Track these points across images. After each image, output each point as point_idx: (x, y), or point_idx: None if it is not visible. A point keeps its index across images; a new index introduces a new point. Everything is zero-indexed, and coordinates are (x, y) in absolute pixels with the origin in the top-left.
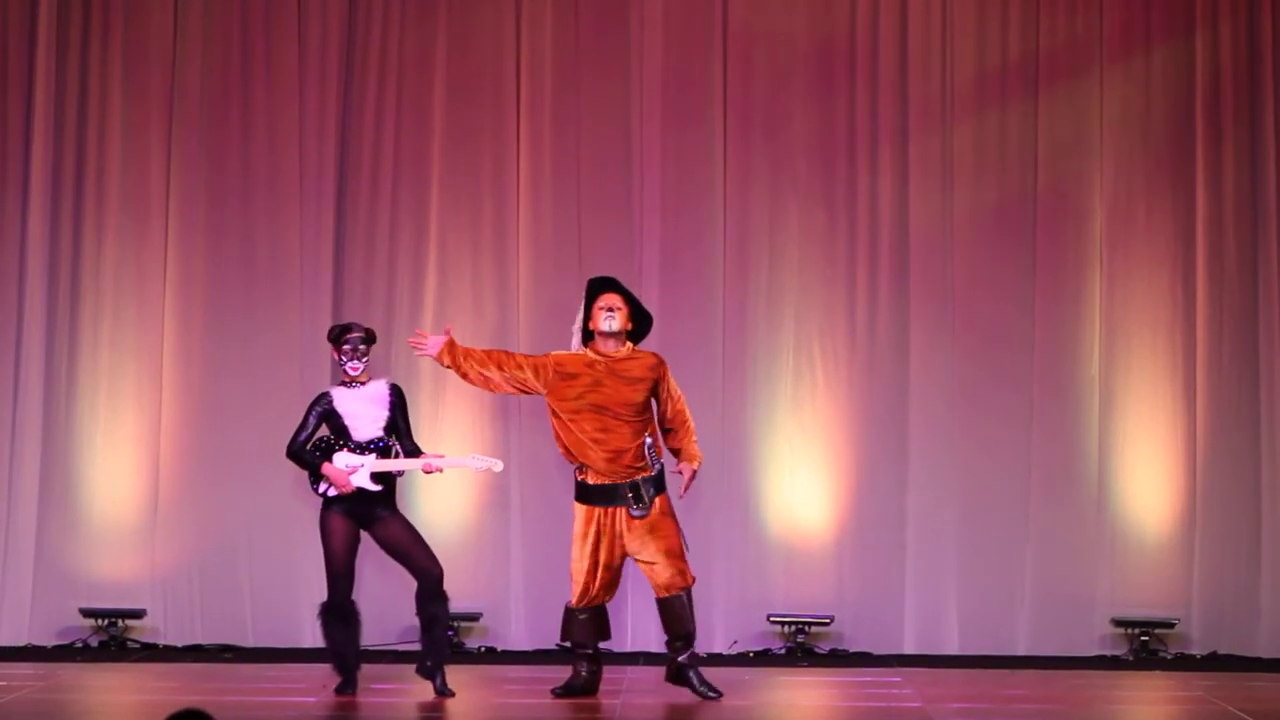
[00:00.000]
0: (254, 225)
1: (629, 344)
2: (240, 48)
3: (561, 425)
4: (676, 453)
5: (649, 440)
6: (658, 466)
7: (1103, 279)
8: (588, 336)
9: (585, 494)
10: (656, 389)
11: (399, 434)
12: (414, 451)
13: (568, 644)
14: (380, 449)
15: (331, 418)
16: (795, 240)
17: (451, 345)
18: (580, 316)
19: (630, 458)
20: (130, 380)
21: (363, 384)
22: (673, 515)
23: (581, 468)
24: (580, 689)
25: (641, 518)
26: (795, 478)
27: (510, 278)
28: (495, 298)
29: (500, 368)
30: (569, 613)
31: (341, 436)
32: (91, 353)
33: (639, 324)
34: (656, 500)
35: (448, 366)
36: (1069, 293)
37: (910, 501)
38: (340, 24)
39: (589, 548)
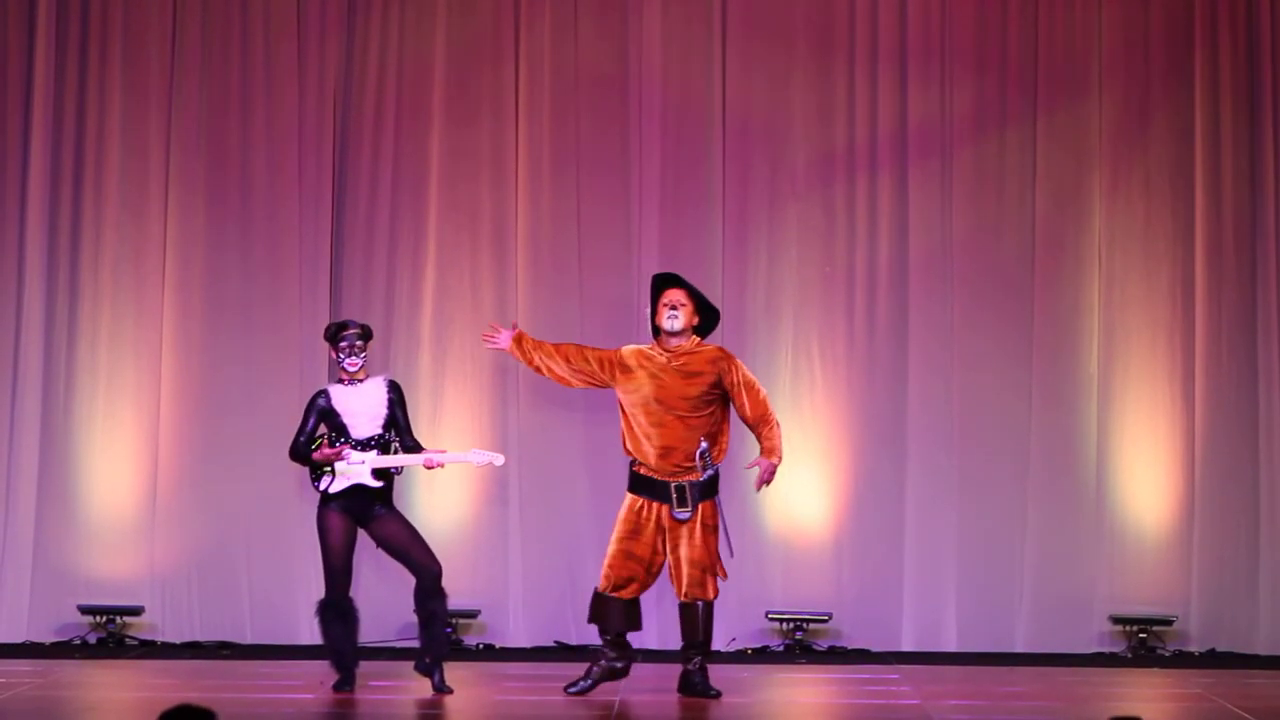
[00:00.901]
0: (253, 222)
1: (695, 338)
2: (240, 43)
3: (624, 419)
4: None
5: (704, 445)
6: (710, 472)
7: (1101, 278)
8: (655, 332)
9: (635, 483)
10: (724, 384)
11: (399, 430)
12: (414, 448)
13: (593, 626)
14: (380, 446)
15: (329, 416)
16: (794, 239)
17: (520, 339)
18: (648, 313)
19: (680, 457)
20: (129, 377)
21: (360, 381)
22: (715, 528)
23: (636, 461)
24: (600, 678)
25: (683, 521)
26: (794, 475)
27: (509, 275)
28: (494, 295)
29: (568, 361)
30: (595, 596)
31: (341, 435)
32: (90, 349)
33: (705, 318)
34: (702, 506)
35: (518, 359)
36: (1068, 291)
37: (909, 499)
38: (339, 21)
39: (623, 532)
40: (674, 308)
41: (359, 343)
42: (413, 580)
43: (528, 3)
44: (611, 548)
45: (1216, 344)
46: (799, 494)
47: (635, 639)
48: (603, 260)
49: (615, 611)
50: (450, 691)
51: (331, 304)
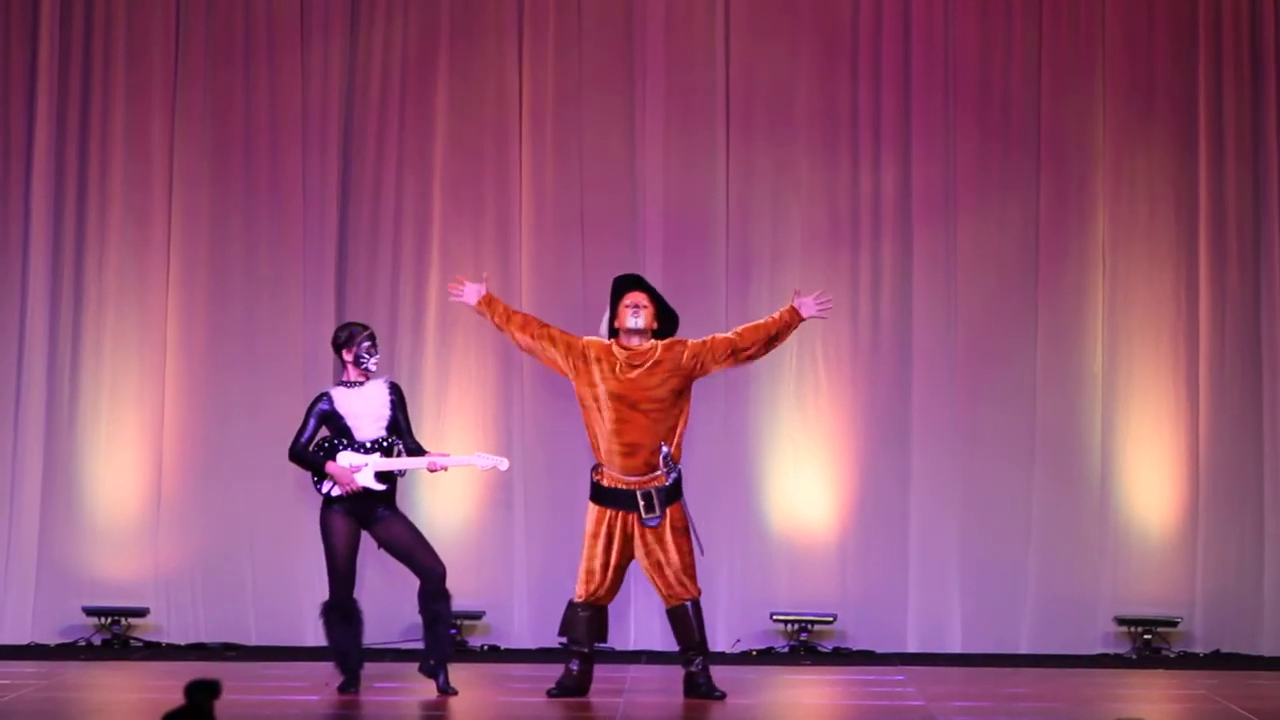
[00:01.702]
0: (257, 224)
1: (654, 341)
2: (243, 44)
3: (586, 415)
4: (785, 326)
5: (666, 449)
6: (673, 476)
7: (1105, 278)
8: (613, 334)
9: (599, 495)
10: (685, 361)
11: (400, 432)
12: (416, 450)
13: (564, 639)
14: (384, 448)
15: (332, 419)
16: (798, 238)
17: (490, 299)
18: (606, 315)
19: (646, 454)
20: (133, 379)
21: (361, 384)
22: (685, 530)
23: (598, 468)
24: (572, 688)
25: (653, 527)
26: (798, 476)
27: (513, 278)
28: (498, 296)
29: (531, 336)
30: (571, 608)
31: (343, 437)
32: (94, 351)
33: (664, 323)
34: (669, 511)
35: (485, 318)
36: (1072, 292)
37: (913, 500)
38: (342, 22)
39: (599, 547)
40: (636, 307)
41: (375, 341)
42: (416, 582)
43: (531, 5)
44: (592, 562)
45: (1220, 345)
46: (804, 495)
47: (640, 640)
48: (607, 263)
49: (587, 624)
50: (455, 693)
51: (336, 306)
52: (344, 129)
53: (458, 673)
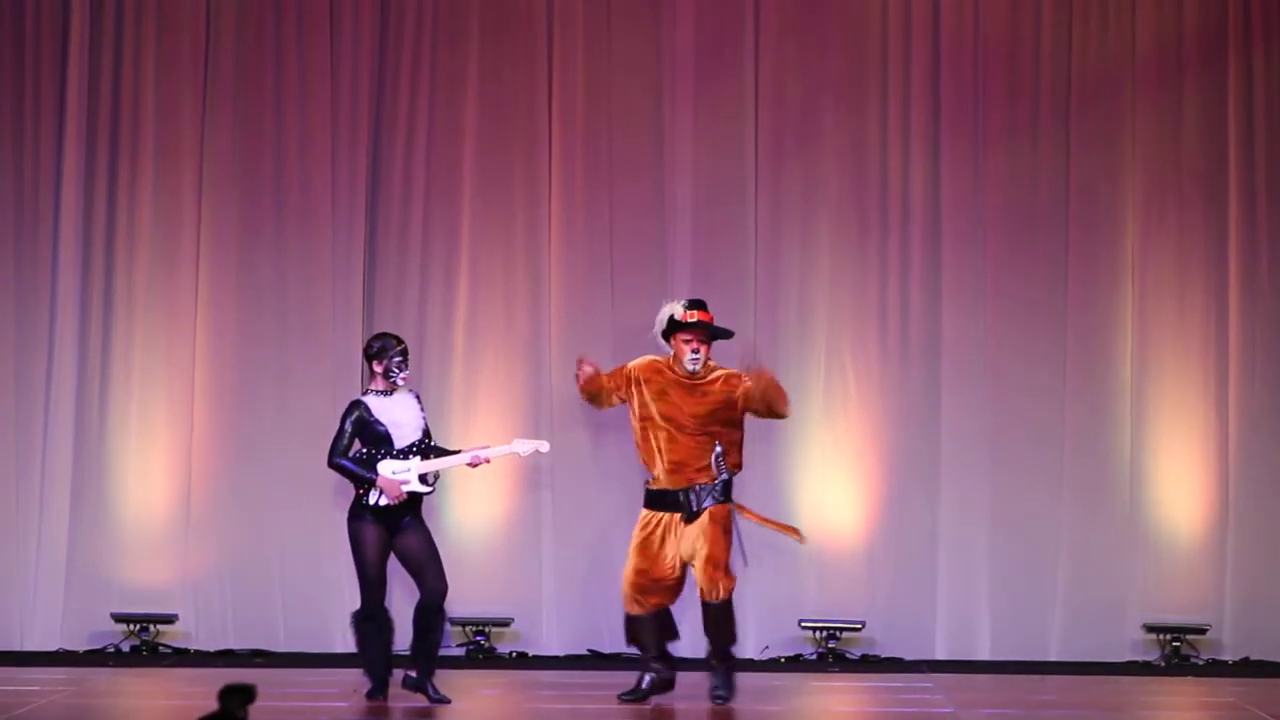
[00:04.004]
0: (286, 230)
1: (714, 367)
2: (273, 55)
3: (636, 432)
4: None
5: (719, 449)
6: (723, 477)
7: (1135, 289)
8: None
9: (648, 499)
10: (738, 400)
11: (430, 437)
12: (442, 451)
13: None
14: (421, 451)
15: (369, 427)
16: (826, 251)
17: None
18: (662, 326)
19: (691, 471)
20: (162, 386)
21: (391, 393)
22: (725, 527)
23: (651, 478)
24: (652, 689)
25: (689, 522)
26: (827, 483)
27: (542, 288)
28: (527, 307)
29: (590, 396)
30: (625, 619)
31: (381, 445)
32: (124, 359)
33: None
34: (714, 508)
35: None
36: (1101, 301)
37: (942, 507)
38: (372, 32)
39: (637, 550)
40: (696, 348)
41: (406, 358)
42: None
43: (561, 16)
44: (626, 570)
45: (1250, 352)
46: (832, 501)
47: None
48: (636, 275)
49: (647, 628)
50: (449, 701)
51: (365, 314)
52: (373, 132)
53: (486, 679)
